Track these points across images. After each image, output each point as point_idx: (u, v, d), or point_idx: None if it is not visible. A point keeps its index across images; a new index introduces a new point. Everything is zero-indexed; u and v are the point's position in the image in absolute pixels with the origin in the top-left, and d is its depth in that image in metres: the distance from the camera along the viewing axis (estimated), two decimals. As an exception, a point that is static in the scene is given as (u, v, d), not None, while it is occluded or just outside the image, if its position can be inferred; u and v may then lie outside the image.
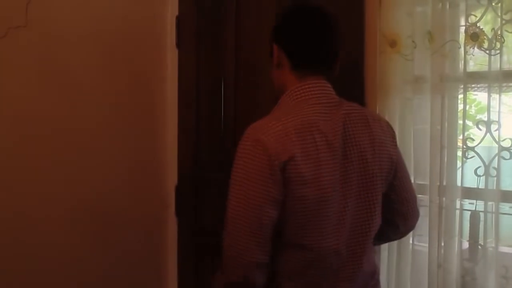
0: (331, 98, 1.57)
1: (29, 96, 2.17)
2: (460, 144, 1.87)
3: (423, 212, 1.87)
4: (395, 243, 1.95)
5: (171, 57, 2.65)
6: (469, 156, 1.87)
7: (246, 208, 1.48)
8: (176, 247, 2.69)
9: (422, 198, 1.89)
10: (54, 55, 2.22)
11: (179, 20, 2.63)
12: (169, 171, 2.69)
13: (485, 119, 1.84)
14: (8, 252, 2.12)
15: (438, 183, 1.86)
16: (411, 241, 1.95)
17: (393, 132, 1.62)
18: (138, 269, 2.59)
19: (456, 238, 1.85)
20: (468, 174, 1.88)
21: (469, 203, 1.95)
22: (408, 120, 1.91)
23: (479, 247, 1.91)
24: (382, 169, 1.56)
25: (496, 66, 1.82)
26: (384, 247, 1.98)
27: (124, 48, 2.48)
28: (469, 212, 1.96)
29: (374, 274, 1.61)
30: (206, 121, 2.56)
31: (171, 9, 2.63)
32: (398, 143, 1.86)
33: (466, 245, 1.95)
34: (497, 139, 1.84)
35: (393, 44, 1.90)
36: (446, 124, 1.84)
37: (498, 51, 1.81)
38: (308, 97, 1.55)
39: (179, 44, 2.64)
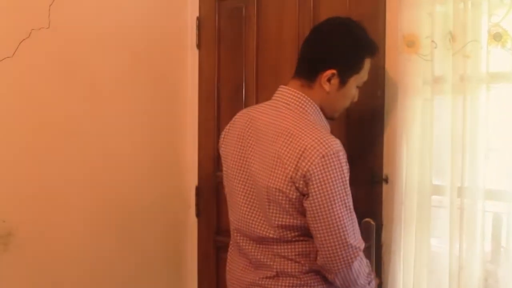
0: (276, 102, 1.77)
1: (51, 97, 2.19)
2: (482, 144, 1.84)
3: (443, 213, 1.86)
4: (412, 243, 1.93)
5: (192, 58, 2.67)
6: (491, 157, 1.84)
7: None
8: (196, 247, 2.71)
9: (442, 200, 1.88)
10: (76, 56, 2.24)
11: (200, 21, 2.64)
12: (190, 172, 2.70)
13: (508, 119, 1.82)
14: (35, 251, 2.15)
15: (460, 184, 1.84)
16: (428, 243, 1.92)
17: (313, 158, 1.60)
18: (159, 268, 2.61)
19: (478, 240, 1.83)
20: (491, 176, 1.85)
21: (492, 205, 1.92)
22: (428, 121, 1.89)
23: (502, 249, 1.88)
24: (273, 181, 1.66)
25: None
26: (399, 247, 1.97)
27: (145, 49, 2.50)
28: (492, 214, 1.93)
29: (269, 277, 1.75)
30: (227, 121, 2.55)
31: (192, 10, 2.64)
32: (418, 144, 1.85)
33: (488, 247, 1.92)
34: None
35: (411, 44, 1.89)
36: (467, 125, 1.82)
37: (521, 51, 1.78)
38: None
39: (199, 45, 2.66)
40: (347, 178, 1.64)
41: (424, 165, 1.90)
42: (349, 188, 1.64)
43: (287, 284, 1.72)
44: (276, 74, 2.36)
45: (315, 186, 1.59)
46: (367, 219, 2.02)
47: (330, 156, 1.59)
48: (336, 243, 1.61)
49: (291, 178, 1.61)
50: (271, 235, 1.71)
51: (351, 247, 1.63)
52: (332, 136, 1.65)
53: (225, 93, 2.58)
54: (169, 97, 2.63)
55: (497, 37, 1.78)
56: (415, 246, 1.93)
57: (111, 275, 2.41)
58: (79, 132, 2.27)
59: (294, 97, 1.73)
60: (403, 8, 1.92)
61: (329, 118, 1.77)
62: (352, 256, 1.64)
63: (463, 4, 1.82)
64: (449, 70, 1.84)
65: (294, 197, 1.63)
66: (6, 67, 2.05)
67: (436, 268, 1.92)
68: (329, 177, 1.58)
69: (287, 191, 1.63)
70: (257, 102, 2.43)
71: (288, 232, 1.70)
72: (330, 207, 1.59)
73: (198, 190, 2.69)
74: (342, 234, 1.61)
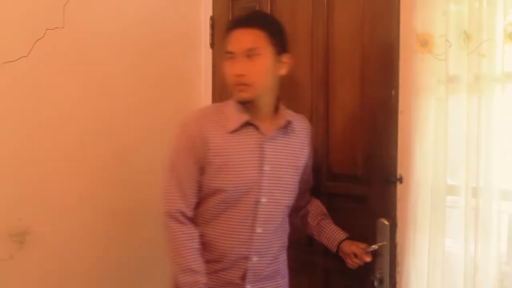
0: None
1: (66, 96, 2.21)
2: (497, 144, 1.83)
3: (457, 213, 1.84)
4: (426, 243, 1.92)
5: (205, 57, 2.67)
6: (506, 157, 1.83)
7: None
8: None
9: (457, 200, 1.86)
10: (90, 55, 2.26)
11: (213, 21, 2.64)
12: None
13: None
14: (50, 248, 2.17)
15: (474, 185, 1.82)
16: (442, 243, 1.91)
17: None
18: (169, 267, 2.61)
19: (493, 241, 1.81)
20: (506, 176, 1.83)
21: (508, 205, 1.90)
22: (442, 121, 1.87)
23: (518, 250, 1.87)
24: None
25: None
26: (413, 248, 1.96)
27: (159, 48, 2.51)
28: (507, 214, 1.91)
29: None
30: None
31: (205, 10, 2.65)
32: (432, 144, 1.85)
33: (504, 248, 1.91)
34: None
35: (424, 43, 1.87)
36: (482, 124, 1.80)
37: (538, 51, 1.76)
38: None
39: (213, 44, 2.66)
40: (182, 147, 1.94)
41: (438, 165, 1.89)
42: (182, 157, 1.94)
43: None
44: (289, 73, 2.35)
45: None
46: (381, 219, 2.01)
47: (179, 126, 1.97)
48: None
49: None
50: None
51: (164, 210, 1.94)
52: (198, 112, 2.05)
53: (238, 92, 2.58)
54: (183, 96, 2.64)
55: (513, 35, 1.77)
56: (429, 246, 1.91)
57: (122, 270, 2.43)
58: (93, 131, 2.29)
59: None
60: (417, 7, 1.91)
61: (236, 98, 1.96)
62: (164, 219, 1.93)
63: (478, 3, 1.80)
64: (464, 70, 1.83)
65: None
66: (21, 66, 2.07)
67: (450, 269, 1.90)
68: (172, 143, 1.97)
69: None
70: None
71: None
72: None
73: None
74: (163, 196, 1.95)
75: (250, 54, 1.88)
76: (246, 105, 1.95)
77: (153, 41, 2.48)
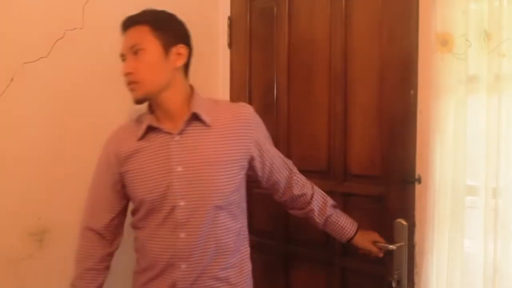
0: None
1: (85, 97, 2.22)
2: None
3: (476, 214, 1.83)
4: (445, 244, 1.91)
5: (223, 57, 2.68)
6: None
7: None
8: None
9: (476, 200, 1.85)
10: (109, 55, 2.27)
11: (231, 21, 2.65)
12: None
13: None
14: (69, 247, 2.18)
15: (494, 185, 1.81)
16: (461, 244, 1.90)
17: None
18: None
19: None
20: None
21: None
22: (462, 120, 1.86)
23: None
24: None
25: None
26: (432, 249, 1.95)
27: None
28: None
29: None
30: (258, 121, 2.56)
31: (223, 10, 2.66)
32: (452, 144, 1.84)
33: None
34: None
35: (444, 43, 1.87)
36: (502, 124, 1.79)
37: (559, 50, 1.75)
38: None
39: (231, 45, 2.67)
40: (100, 168, 1.96)
41: (457, 165, 1.88)
42: (99, 179, 1.96)
43: None
44: (307, 73, 2.36)
45: None
46: (399, 220, 2.01)
47: None
48: None
49: None
50: None
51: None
52: (121, 124, 2.01)
53: (256, 92, 2.59)
54: (201, 96, 2.65)
55: (534, 35, 1.76)
56: (448, 247, 1.90)
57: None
58: (110, 130, 2.30)
59: None
60: (436, 7, 1.90)
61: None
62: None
63: (498, 2, 1.79)
64: (484, 69, 1.81)
65: None
66: (41, 67, 2.09)
67: (469, 270, 1.89)
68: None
69: None
70: (288, 102, 2.43)
71: None
72: None
73: (230, 190, 2.70)
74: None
75: (135, 50, 1.80)
76: (153, 106, 1.90)
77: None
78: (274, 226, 2.51)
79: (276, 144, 2.43)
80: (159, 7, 2.32)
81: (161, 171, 1.83)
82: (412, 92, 1.98)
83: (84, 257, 1.95)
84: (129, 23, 1.85)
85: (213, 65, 2.68)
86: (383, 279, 2.05)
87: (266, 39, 2.52)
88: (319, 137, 2.31)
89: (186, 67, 1.93)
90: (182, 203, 1.82)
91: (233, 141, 1.88)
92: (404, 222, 2.00)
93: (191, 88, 1.95)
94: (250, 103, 2.59)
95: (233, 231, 1.92)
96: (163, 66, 1.83)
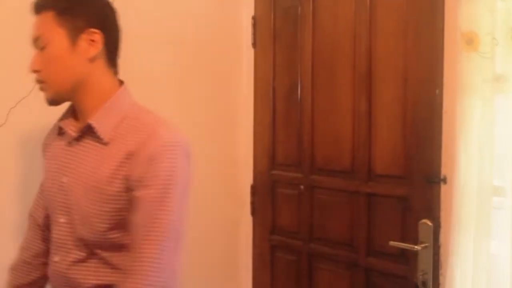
0: None
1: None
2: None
3: (503, 214, 1.81)
4: (470, 245, 1.89)
5: (247, 57, 2.68)
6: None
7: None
8: (251, 246, 2.72)
9: (503, 201, 1.83)
10: (134, 55, 2.28)
11: (255, 20, 2.65)
12: (245, 170, 2.71)
13: None
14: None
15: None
16: (487, 245, 1.88)
17: None
18: (213, 266, 2.63)
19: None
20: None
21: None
22: (488, 120, 1.84)
23: None
24: None
25: None
26: (457, 250, 1.93)
27: (201, 48, 2.53)
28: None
29: None
30: (282, 120, 2.57)
31: (247, 10, 2.66)
32: (478, 144, 1.82)
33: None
34: None
35: (470, 42, 1.85)
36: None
37: None
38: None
39: (255, 44, 2.67)
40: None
41: (484, 166, 1.86)
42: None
43: None
44: (331, 73, 2.35)
45: None
46: (424, 220, 1.99)
47: None
48: None
49: None
50: None
51: None
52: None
53: (280, 92, 2.59)
54: (225, 96, 2.66)
55: (563, 32, 1.73)
56: (474, 248, 1.88)
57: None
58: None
59: None
60: (462, 5, 1.88)
61: None
62: None
63: (526, 0, 1.77)
64: (511, 68, 1.80)
65: None
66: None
67: (495, 272, 1.87)
68: None
69: None
70: (312, 101, 2.43)
71: None
72: None
73: (253, 189, 2.71)
74: None
75: (39, 45, 1.50)
76: (73, 106, 1.61)
77: (195, 40, 2.50)
78: (298, 226, 2.51)
79: (300, 144, 2.44)
80: (181, 7, 2.33)
81: (53, 178, 1.58)
82: (437, 91, 1.97)
83: (23, 247, 1.73)
84: (35, 8, 1.53)
85: (237, 65, 2.69)
86: (407, 280, 2.04)
87: (290, 38, 2.52)
88: (343, 137, 2.30)
89: (109, 57, 1.57)
90: (62, 220, 1.54)
91: (116, 166, 1.46)
92: (429, 223, 1.98)
93: (119, 84, 1.61)
94: (274, 103, 2.60)
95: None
96: (71, 59, 1.50)
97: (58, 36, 1.49)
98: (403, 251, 2.06)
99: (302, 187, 2.47)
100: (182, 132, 1.53)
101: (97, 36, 1.51)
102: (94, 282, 1.49)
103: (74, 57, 1.50)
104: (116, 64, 1.61)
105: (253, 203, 2.71)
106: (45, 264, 1.66)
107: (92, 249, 1.49)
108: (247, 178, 2.72)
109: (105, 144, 1.48)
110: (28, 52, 1.53)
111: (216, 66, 2.60)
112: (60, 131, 1.61)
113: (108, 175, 1.45)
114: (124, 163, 1.44)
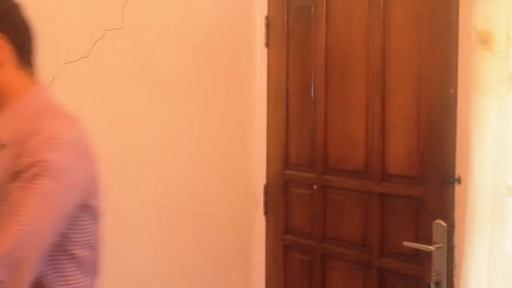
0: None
1: (123, 96, 2.25)
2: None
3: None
4: (485, 246, 1.88)
5: (261, 56, 2.68)
6: None
7: None
8: (264, 245, 2.72)
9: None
10: (148, 55, 2.30)
11: (269, 20, 2.65)
12: (258, 170, 2.71)
13: None
14: (113, 249, 2.21)
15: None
16: (502, 246, 1.87)
17: None
18: (226, 266, 2.63)
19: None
20: None
21: None
22: (503, 119, 1.83)
23: None
24: None
25: None
26: (472, 250, 1.92)
27: (214, 48, 2.53)
28: None
29: None
30: (296, 120, 2.56)
31: (261, 9, 2.66)
32: (492, 144, 1.81)
33: None
34: None
35: (484, 41, 1.83)
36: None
37: None
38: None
39: (268, 44, 2.67)
40: None
41: (498, 166, 1.84)
42: None
43: None
44: (345, 73, 2.34)
45: None
46: (438, 220, 1.98)
47: None
48: None
49: None
50: None
51: None
52: None
53: (293, 92, 2.58)
54: (238, 96, 2.66)
55: None
56: (489, 249, 1.87)
57: (181, 271, 2.46)
58: (147, 130, 2.32)
59: None
60: (477, 4, 1.87)
61: None
62: None
63: (542, -1, 1.76)
64: (526, 68, 1.78)
65: None
66: (82, 67, 2.12)
67: (510, 272, 1.86)
68: None
69: None
70: (326, 101, 2.42)
71: None
72: None
73: (266, 189, 2.71)
74: None
75: None
76: None
77: (209, 40, 2.51)
78: (311, 226, 2.50)
79: (313, 144, 2.44)
80: (195, 6, 2.33)
81: None
82: (451, 91, 1.96)
83: None
84: None
85: (250, 64, 2.69)
86: (421, 280, 2.03)
87: (304, 38, 2.52)
88: (357, 137, 2.30)
89: (21, 58, 1.42)
90: None
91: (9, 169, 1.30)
92: (443, 223, 1.97)
93: (32, 86, 1.44)
94: (287, 102, 2.59)
95: None
96: None
97: None
98: (417, 252, 2.05)
99: (315, 187, 2.46)
100: (81, 130, 1.44)
101: (1, 40, 1.36)
102: None
103: None
104: (32, 63, 1.44)
105: (266, 203, 2.71)
106: None
107: None
108: (260, 178, 2.71)
109: (3, 147, 1.33)
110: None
111: (230, 67, 2.60)
112: None
113: (5, 178, 1.29)
114: (14, 162, 1.28)
